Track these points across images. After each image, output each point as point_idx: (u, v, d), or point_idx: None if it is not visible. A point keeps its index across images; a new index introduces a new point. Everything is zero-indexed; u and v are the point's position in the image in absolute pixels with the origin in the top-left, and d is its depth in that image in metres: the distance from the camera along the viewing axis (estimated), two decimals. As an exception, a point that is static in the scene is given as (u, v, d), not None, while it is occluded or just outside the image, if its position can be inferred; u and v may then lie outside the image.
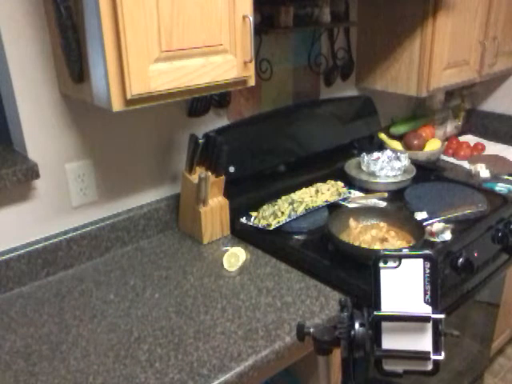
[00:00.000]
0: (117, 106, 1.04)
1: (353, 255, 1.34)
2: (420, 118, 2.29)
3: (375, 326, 0.71)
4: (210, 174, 1.47)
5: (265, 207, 1.60)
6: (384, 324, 0.70)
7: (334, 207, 1.63)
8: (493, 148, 2.32)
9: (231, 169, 1.57)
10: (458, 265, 1.41)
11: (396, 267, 0.70)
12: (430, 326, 0.69)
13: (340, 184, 1.76)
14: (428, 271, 0.69)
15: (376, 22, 1.90)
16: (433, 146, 2.14)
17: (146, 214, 1.54)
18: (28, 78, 1.23)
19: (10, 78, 1.21)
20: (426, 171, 1.94)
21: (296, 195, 1.66)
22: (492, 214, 1.60)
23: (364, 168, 1.87)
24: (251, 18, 1.16)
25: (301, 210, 1.55)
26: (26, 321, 1.20)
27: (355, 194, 1.76)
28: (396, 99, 2.30)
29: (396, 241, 1.40)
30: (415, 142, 2.09)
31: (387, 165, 1.83)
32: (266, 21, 1.58)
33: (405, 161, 1.86)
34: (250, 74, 1.23)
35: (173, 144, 1.58)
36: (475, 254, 1.50)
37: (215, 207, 1.51)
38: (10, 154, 1.31)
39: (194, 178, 1.47)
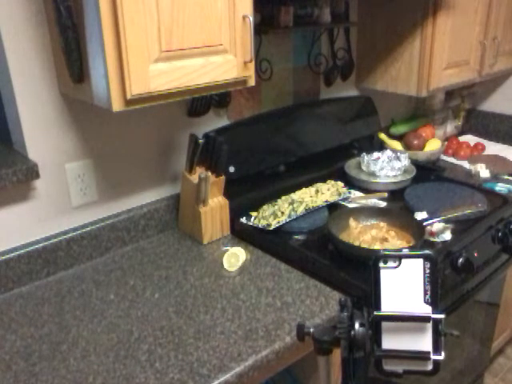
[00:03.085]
0: (117, 106, 1.04)
1: (353, 255, 1.34)
2: (420, 118, 2.29)
3: (375, 326, 0.71)
4: (209, 174, 1.47)
5: (265, 207, 1.60)
6: (384, 324, 0.70)
7: (334, 207, 1.63)
8: (493, 148, 2.32)
9: (231, 169, 1.57)
10: (458, 265, 1.41)
11: (396, 267, 0.70)
12: (429, 326, 0.69)
13: (340, 184, 1.76)
14: (428, 271, 0.69)
15: (376, 21, 1.90)
16: (433, 146, 2.14)
17: (146, 214, 1.54)
18: (28, 77, 1.23)
19: (10, 77, 1.21)
20: (426, 171, 1.94)
21: (296, 195, 1.66)
22: (492, 213, 1.60)
23: (364, 168, 1.87)
24: (251, 18, 1.16)
25: (301, 210, 1.55)
26: (26, 321, 1.20)
27: (355, 193, 1.76)
28: (396, 99, 2.30)
29: (396, 241, 1.40)
30: (415, 142, 2.09)
31: (387, 165, 1.83)
32: (266, 21, 1.58)
33: (405, 161, 1.86)
34: (250, 74, 1.23)
35: (173, 144, 1.58)
36: (475, 254, 1.50)
37: (215, 207, 1.51)
38: (10, 153, 1.31)
39: (194, 178, 1.47)
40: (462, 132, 2.56)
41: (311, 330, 0.81)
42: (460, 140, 2.36)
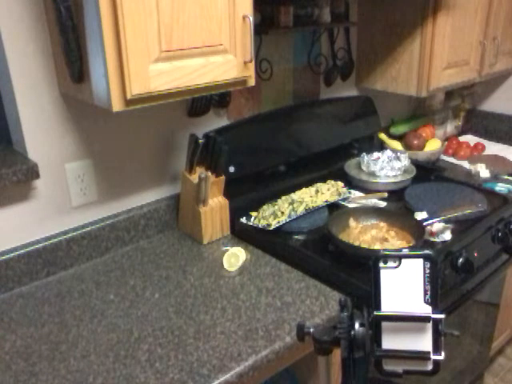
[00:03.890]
0: (117, 106, 1.04)
1: (353, 255, 1.34)
2: (420, 118, 2.29)
3: (375, 326, 0.71)
4: (209, 174, 1.47)
5: (265, 207, 1.60)
6: (384, 324, 0.70)
7: (334, 207, 1.63)
8: (493, 148, 2.32)
9: (231, 169, 1.57)
10: (458, 265, 1.41)
11: (396, 267, 0.70)
12: (429, 326, 0.69)
13: (340, 184, 1.76)
14: (428, 271, 0.69)
15: (376, 22, 1.90)
16: (433, 146, 2.14)
17: (146, 214, 1.54)
18: (28, 77, 1.23)
19: (9, 78, 1.21)
20: (426, 171, 1.94)
21: (296, 195, 1.66)
22: (492, 214, 1.60)
23: (364, 168, 1.87)
24: (251, 18, 1.16)
25: (301, 209, 1.55)
26: (26, 321, 1.20)
27: (355, 194, 1.76)
28: (396, 99, 2.30)
29: (396, 241, 1.40)
30: (415, 142, 2.09)
31: (387, 165, 1.83)
32: (266, 21, 1.58)
33: (405, 161, 1.86)
34: (250, 74, 1.23)
35: (173, 144, 1.58)
36: (475, 254, 1.50)
37: (215, 207, 1.51)
38: (10, 154, 1.31)
39: (194, 178, 1.47)
40: (462, 132, 2.56)
41: (311, 330, 0.81)
42: (460, 140, 2.36)
